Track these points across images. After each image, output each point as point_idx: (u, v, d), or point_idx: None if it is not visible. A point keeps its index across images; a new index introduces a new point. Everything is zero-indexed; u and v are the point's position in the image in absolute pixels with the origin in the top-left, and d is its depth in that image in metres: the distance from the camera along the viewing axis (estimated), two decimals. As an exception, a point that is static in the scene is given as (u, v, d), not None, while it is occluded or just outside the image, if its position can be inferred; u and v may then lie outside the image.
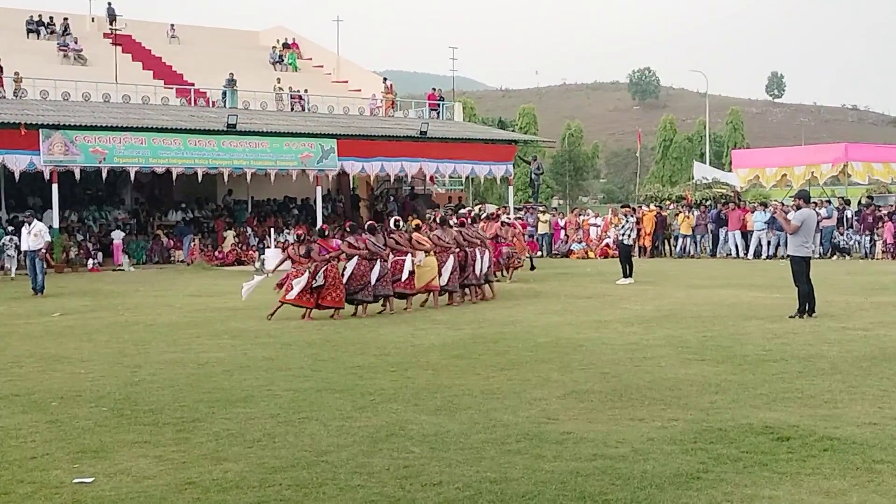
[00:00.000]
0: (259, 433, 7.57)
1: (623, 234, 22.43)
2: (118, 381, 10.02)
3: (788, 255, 15.27)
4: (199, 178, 32.92)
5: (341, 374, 10.30)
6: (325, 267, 15.79)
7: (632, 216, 23.76)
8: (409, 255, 16.79)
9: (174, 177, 32.52)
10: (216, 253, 32.97)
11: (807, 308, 14.29)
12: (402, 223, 18.82)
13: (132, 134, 31.05)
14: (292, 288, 15.54)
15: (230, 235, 34.03)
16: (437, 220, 19.19)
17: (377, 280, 16.24)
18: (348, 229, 17.53)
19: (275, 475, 6.37)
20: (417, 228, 17.77)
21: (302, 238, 16.56)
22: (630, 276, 21.78)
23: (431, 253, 17.23)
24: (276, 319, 15.37)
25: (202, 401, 8.89)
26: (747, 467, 6.36)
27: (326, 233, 17.89)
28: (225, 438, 7.43)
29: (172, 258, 33.24)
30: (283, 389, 9.39)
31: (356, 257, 16.13)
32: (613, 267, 23.56)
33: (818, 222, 30.55)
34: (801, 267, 14.36)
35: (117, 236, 32.07)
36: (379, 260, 16.34)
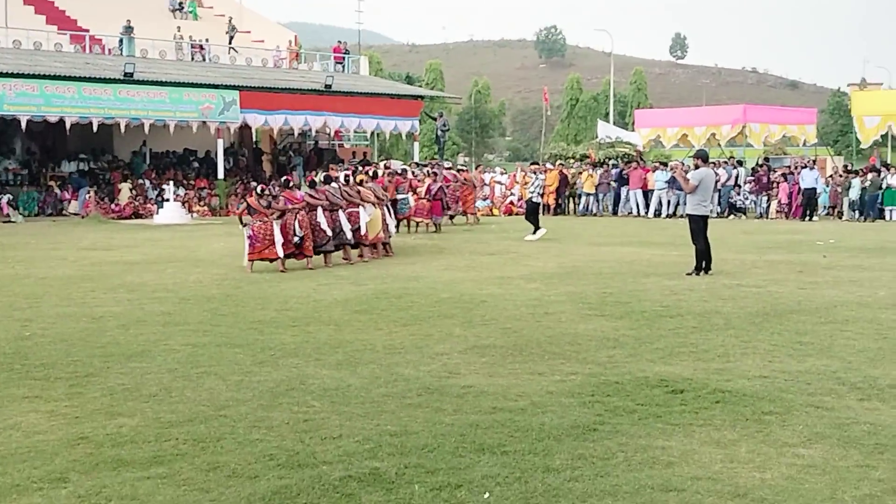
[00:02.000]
0: (155, 388, 7.43)
1: (532, 192, 22.58)
2: (8, 335, 9.71)
3: (686, 214, 15.56)
4: (95, 129, 31.94)
5: (241, 328, 10.17)
6: (297, 218, 15.99)
7: (541, 174, 23.92)
8: (362, 207, 17.32)
9: (68, 126, 31.47)
10: (112, 206, 32.13)
11: (703, 266, 14.61)
12: (343, 176, 18.89)
13: (23, 81, 29.90)
14: (268, 244, 15.62)
15: (126, 188, 33.17)
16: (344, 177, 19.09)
17: (339, 230, 16.75)
18: (317, 181, 17.67)
19: (171, 430, 6.26)
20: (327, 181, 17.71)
21: (263, 192, 16.73)
22: (539, 227, 21.84)
23: (377, 206, 17.80)
24: (174, 274, 15.11)
25: (96, 355, 8.68)
26: (642, 419, 6.49)
27: (291, 184, 17.72)
28: (120, 393, 7.27)
29: (66, 211, 32.25)
30: (181, 344, 9.22)
31: (319, 208, 16.45)
32: (518, 224, 23.72)
33: (716, 182, 31.32)
34: (698, 225, 14.65)
35: (3, 199, 30.67)
36: (339, 210, 16.81)
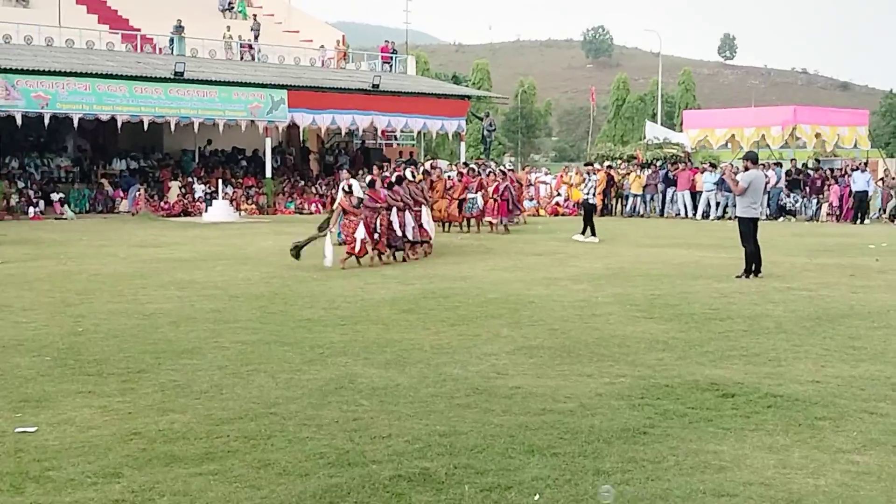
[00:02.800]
0: (206, 385, 7.50)
1: (588, 193, 22.46)
2: (61, 331, 9.85)
3: (736, 217, 15.39)
4: (145, 127, 32.31)
5: (290, 327, 10.23)
6: (378, 216, 16.63)
7: (594, 174, 23.78)
8: (425, 205, 18.30)
9: (119, 125, 31.86)
10: (162, 203, 32.51)
11: (752, 268, 14.45)
12: (412, 173, 19.45)
13: (76, 79, 30.33)
14: (355, 240, 16.18)
15: (175, 186, 33.53)
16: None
17: (411, 228, 17.51)
18: (394, 181, 17.99)
19: (222, 427, 6.31)
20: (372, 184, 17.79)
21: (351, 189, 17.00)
22: (594, 234, 21.71)
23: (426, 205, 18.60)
24: (224, 273, 15.27)
25: (148, 352, 8.78)
26: (693, 423, 6.43)
27: (376, 183, 17.88)
28: (171, 390, 7.35)
29: (117, 208, 32.68)
30: (231, 342, 9.30)
31: (395, 208, 17.13)
32: (564, 225, 23.61)
33: (766, 184, 30.95)
34: (748, 228, 14.49)
35: (56, 197, 31.19)
36: (408, 210, 17.51)
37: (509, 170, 29.22)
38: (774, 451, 5.82)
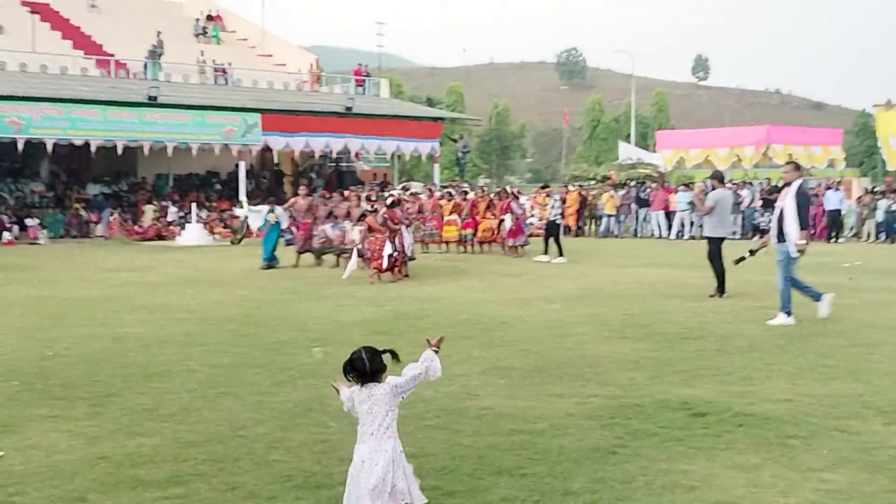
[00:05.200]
0: (174, 408, 7.43)
1: (553, 214, 22.49)
2: (31, 355, 9.75)
3: (704, 237, 15.46)
4: (120, 151, 32.18)
5: (260, 349, 10.17)
6: (397, 235, 17.56)
7: (556, 195, 23.81)
8: (406, 227, 19.06)
9: (93, 149, 31.72)
10: (136, 227, 32.33)
11: (723, 286, 14.52)
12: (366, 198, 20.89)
13: (50, 105, 30.20)
14: (382, 257, 17.09)
15: (150, 210, 33.37)
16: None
17: (409, 246, 18.64)
18: (390, 204, 18.68)
19: (189, 450, 6.25)
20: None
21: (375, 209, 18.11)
22: (562, 254, 21.76)
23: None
24: (196, 296, 15.18)
25: (117, 375, 8.70)
26: (664, 442, 6.43)
27: (397, 204, 19.04)
28: (139, 413, 7.28)
29: (91, 232, 32.47)
30: (201, 364, 9.23)
31: (403, 226, 18.17)
32: (539, 246, 23.56)
33: (738, 204, 31.17)
34: (716, 247, 14.58)
35: (32, 222, 30.99)
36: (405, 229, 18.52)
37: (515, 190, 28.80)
38: (745, 471, 5.82)
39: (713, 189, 15.03)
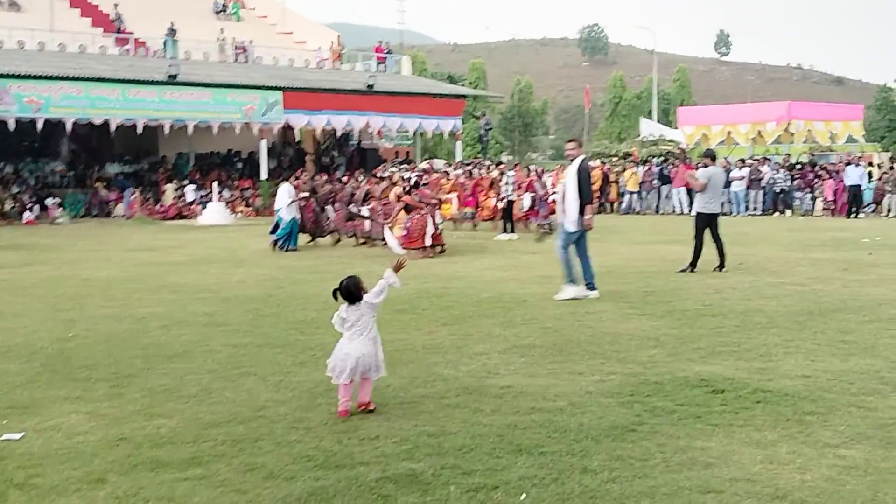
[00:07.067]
0: (195, 388, 7.47)
1: (507, 192, 22.64)
2: (51, 336, 9.82)
3: (695, 212, 15.47)
4: (140, 130, 32.30)
5: (282, 329, 10.21)
6: (432, 213, 17.95)
7: (510, 171, 23.54)
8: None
9: (113, 128, 31.84)
10: (157, 207, 32.48)
11: (696, 262, 14.71)
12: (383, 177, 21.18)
13: (69, 84, 30.33)
14: (426, 235, 17.52)
15: (171, 189, 33.51)
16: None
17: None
18: (413, 185, 18.93)
19: (210, 430, 6.29)
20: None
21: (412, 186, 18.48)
22: (514, 231, 22.33)
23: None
24: (218, 276, 15.25)
25: (138, 356, 8.75)
26: (682, 419, 6.42)
27: (422, 183, 19.54)
28: (160, 394, 7.33)
29: (112, 212, 32.65)
30: (222, 345, 9.28)
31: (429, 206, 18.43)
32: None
33: (760, 179, 31.02)
34: (703, 223, 14.69)
35: (52, 202, 31.21)
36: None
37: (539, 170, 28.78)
38: (762, 447, 5.81)
39: (705, 167, 15.11)
